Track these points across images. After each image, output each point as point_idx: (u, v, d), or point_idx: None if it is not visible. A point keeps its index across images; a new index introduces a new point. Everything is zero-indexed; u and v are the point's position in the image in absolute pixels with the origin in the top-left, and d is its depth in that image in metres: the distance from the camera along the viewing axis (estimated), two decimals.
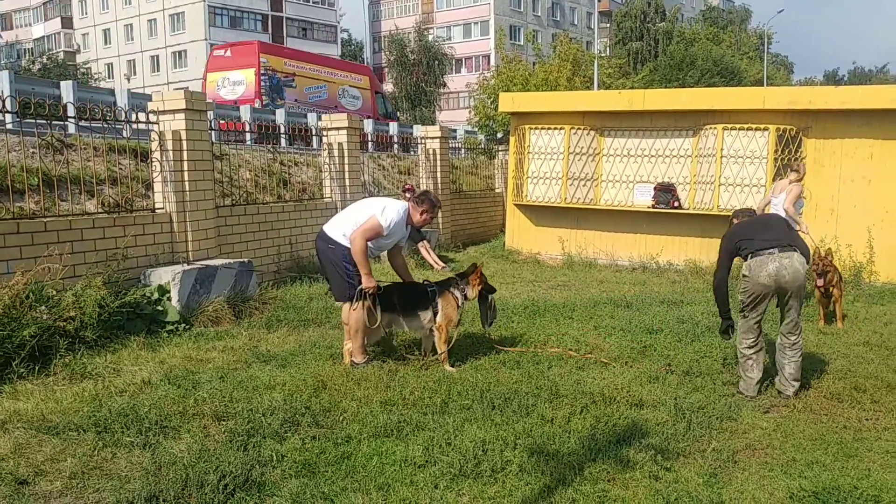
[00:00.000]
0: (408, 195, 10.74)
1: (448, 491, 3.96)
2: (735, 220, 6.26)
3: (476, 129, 30.40)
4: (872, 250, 11.04)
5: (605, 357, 6.66)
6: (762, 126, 11.80)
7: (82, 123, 8.58)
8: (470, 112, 37.27)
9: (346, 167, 11.61)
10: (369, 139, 16.95)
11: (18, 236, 6.84)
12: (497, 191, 18.01)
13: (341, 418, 5.01)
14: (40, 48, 65.87)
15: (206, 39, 58.17)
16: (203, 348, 6.87)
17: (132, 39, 63.82)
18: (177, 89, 9.74)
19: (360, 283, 6.02)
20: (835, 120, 11.52)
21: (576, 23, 73.08)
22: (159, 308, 7.49)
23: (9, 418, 4.86)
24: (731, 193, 11.95)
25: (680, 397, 5.53)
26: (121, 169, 8.85)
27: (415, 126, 23.64)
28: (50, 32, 69.07)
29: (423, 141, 15.23)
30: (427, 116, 51.01)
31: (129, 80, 61.44)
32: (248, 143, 13.26)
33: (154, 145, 8.39)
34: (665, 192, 12.72)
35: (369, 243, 6.05)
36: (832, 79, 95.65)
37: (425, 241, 10.97)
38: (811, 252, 7.04)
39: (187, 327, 7.52)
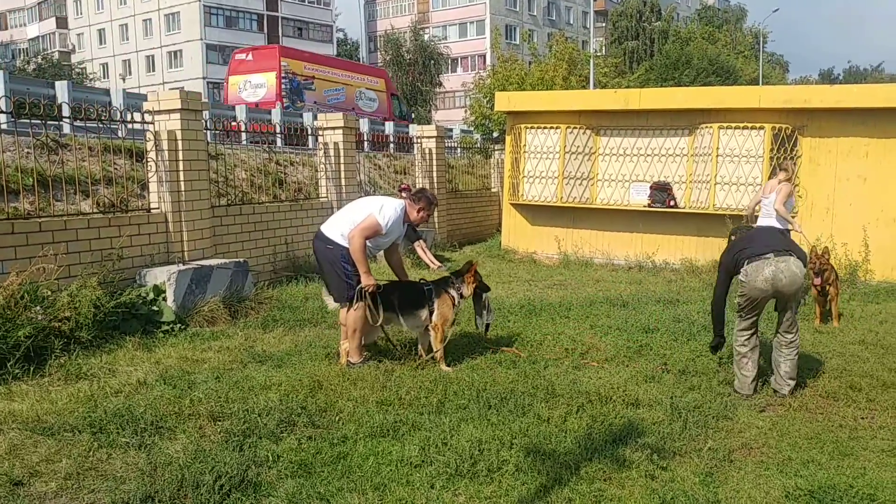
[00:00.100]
0: (404, 194, 10.73)
1: (444, 491, 3.96)
2: (733, 237, 6.27)
3: (472, 129, 30.40)
4: (868, 249, 11.07)
5: (597, 359, 6.65)
6: (758, 125, 11.82)
7: (77, 123, 8.56)
8: (466, 111, 37.30)
9: (342, 167, 11.60)
10: (365, 139, 16.95)
11: (13, 236, 6.82)
12: (493, 190, 18.01)
13: (337, 418, 5.01)
14: (35, 48, 65.64)
15: (201, 39, 58.14)
16: (199, 348, 6.86)
17: (127, 39, 63.71)
18: (172, 89, 9.73)
19: (358, 282, 6.00)
20: (830, 119, 11.55)
21: (571, 22, 73.14)
22: (155, 308, 7.48)
23: (3, 419, 4.84)
24: (726, 192, 11.97)
25: (676, 396, 5.54)
26: (116, 169, 8.83)
27: (411, 125, 23.67)
28: (45, 32, 68.91)
29: (419, 140, 15.23)
30: (423, 116, 50.98)
31: (124, 80, 61.36)
32: (244, 142, 13.24)
33: (149, 145, 8.37)
34: (661, 191, 12.74)
35: (368, 242, 6.05)
36: (827, 77, 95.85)
37: (421, 241, 10.95)
38: (808, 251, 7.05)
39: (183, 327, 7.50)
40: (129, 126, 8.60)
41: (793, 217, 9.87)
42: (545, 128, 13.65)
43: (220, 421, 4.89)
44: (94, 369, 6.03)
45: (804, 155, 11.75)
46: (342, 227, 6.13)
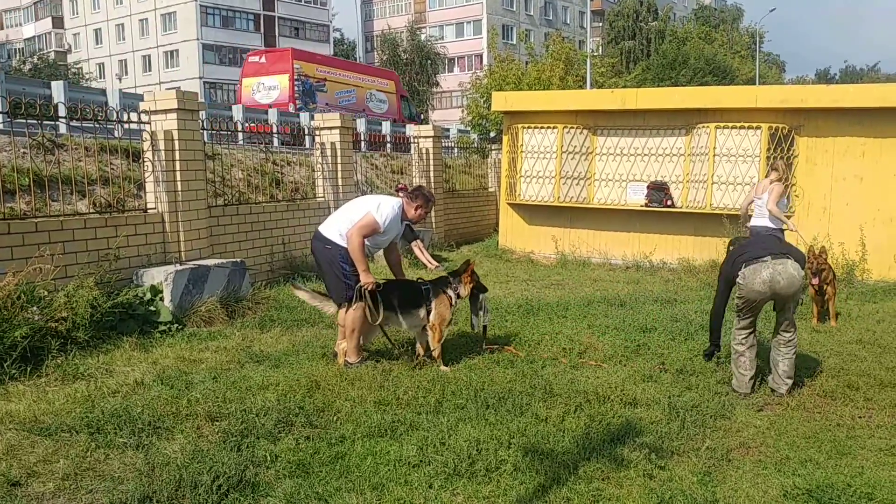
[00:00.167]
0: (401, 195, 10.71)
1: (442, 490, 3.96)
2: (731, 248, 6.27)
3: (469, 129, 30.44)
4: (865, 248, 11.08)
5: (595, 358, 6.65)
6: (754, 125, 11.83)
7: (73, 123, 8.54)
8: (463, 111, 37.34)
9: (339, 167, 11.59)
10: (362, 139, 16.95)
11: (9, 237, 6.80)
12: (490, 190, 18.01)
13: (335, 418, 5.00)
14: (31, 48, 65.54)
15: (197, 39, 58.05)
16: (196, 349, 6.84)
17: (123, 39, 63.61)
18: (168, 89, 9.71)
19: (356, 282, 5.99)
20: (827, 118, 11.56)
21: (568, 22, 73.17)
22: (152, 308, 7.46)
23: (1, 420, 4.83)
24: (723, 192, 11.99)
25: (674, 396, 5.54)
26: (112, 169, 8.81)
27: (408, 125, 23.69)
28: (41, 32, 68.78)
29: (416, 140, 15.22)
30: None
31: (120, 79, 61.27)
32: (241, 142, 13.24)
33: (146, 145, 8.36)
34: (658, 190, 12.75)
35: (366, 241, 6.04)
36: (824, 77, 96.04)
37: (418, 241, 10.93)
38: (806, 251, 7.06)
39: (180, 327, 7.49)
40: (126, 126, 8.58)
41: (788, 217, 9.89)
42: (542, 127, 13.65)
43: (217, 421, 4.89)
44: (91, 370, 6.02)
45: (801, 154, 11.77)
46: (340, 226, 6.12)
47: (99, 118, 8.19)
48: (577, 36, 64.84)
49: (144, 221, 8.22)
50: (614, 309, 8.79)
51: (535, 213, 14.03)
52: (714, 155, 12.07)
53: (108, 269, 7.46)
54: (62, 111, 8.66)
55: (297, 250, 10.51)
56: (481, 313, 6.59)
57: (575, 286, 10.86)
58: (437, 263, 7.09)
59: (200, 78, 57.52)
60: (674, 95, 13.61)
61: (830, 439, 4.82)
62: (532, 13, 69.85)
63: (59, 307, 6.48)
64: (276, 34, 61.60)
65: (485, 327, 6.71)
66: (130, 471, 4.14)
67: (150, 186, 8.43)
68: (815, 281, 8.14)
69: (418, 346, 6.53)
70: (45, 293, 6.55)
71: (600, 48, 58.86)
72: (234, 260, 8.70)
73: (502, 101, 14.85)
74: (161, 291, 7.63)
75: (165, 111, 8.38)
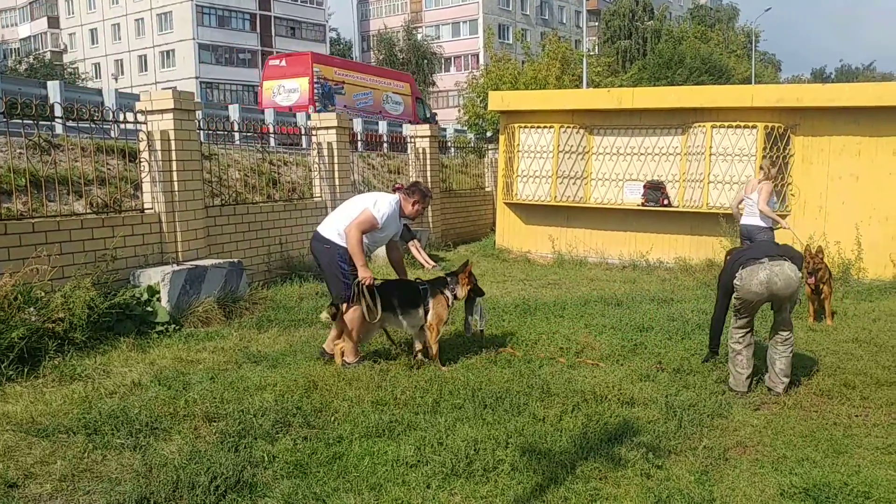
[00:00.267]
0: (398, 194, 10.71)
1: (440, 490, 3.96)
2: (728, 257, 6.29)
3: (466, 128, 30.46)
4: (860, 247, 11.10)
5: (593, 358, 6.65)
6: (750, 124, 11.85)
7: (70, 124, 8.52)
8: (459, 111, 37.34)
9: (336, 166, 11.59)
10: (359, 138, 16.95)
11: (6, 237, 6.79)
12: (487, 189, 18.01)
13: (333, 418, 5.00)
14: (27, 48, 65.48)
15: (193, 39, 58.01)
16: (193, 349, 6.84)
17: (119, 39, 63.53)
18: (165, 89, 9.69)
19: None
20: (822, 117, 11.58)
21: (564, 21, 73.21)
22: (149, 309, 7.45)
23: None
24: (720, 191, 12.00)
25: (671, 395, 5.55)
26: (109, 169, 8.79)
27: (404, 125, 23.70)
28: (36, 32, 68.64)
29: (412, 140, 15.22)
30: None
31: (116, 79, 61.15)
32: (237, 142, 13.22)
33: (142, 145, 8.34)
34: (655, 189, 12.76)
35: (364, 237, 6.04)
36: (819, 76, 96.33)
37: (415, 241, 10.94)
38: (802, 250, 7.08)
39: (177, 328, 7.48)
40: (122, 126, 8.57)
41: (784, 216, 9.91)
42: (539, 127, 13.66)
43: (215, 422, 4.88)
44: (88, 370, 6.01)
45: (797, 154, 11.78)
46: (338, 225, 6.12)
47: (95, 118, 8.18)
48: (574, 35, 64.85)
49: (141, 222, 8.20)
50: (611, 308, 8.81)
51: (532, 212, 14.04)
52: (710, 154, 12.08)
53: (104, 270, 7.46)
54: (58, 111, 8.64)
55: (295, 250, 10.51)
56: (477, 317, 6.57)
57: (572, 286, 10.87)
58: (434, 263, 7.08)
59: (197, 78, 57.47)
60: (670, 95, 13.62)
61: (827, 438, 4.83)
62: (528, 12, 69.87)
63: (56, 308, 6.47)
64: (273, 34, 61.57)
65: (481, 331, 6.70)
66: (128, 472, 4.14)
67: (146, 187, 8.42)
68: (812, 281, 8.16)
69: (416, 345, 6.53)
70: (42, 294, 6.53)
71: (596, 47, 58.93)
72: (231, 260, 8.69)
73: (499, 100, 14.85)
74: (158, 292, 7.62)
75: (162, 111, 8.36)
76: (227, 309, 8.09)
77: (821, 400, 5.62)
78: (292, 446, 4.51)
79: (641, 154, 13.07)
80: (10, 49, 68.04)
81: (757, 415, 5.33)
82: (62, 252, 7.20)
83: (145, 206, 8.44)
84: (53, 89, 13.78)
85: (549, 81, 29.92)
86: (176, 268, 7.91)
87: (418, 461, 4.27)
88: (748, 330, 5.84)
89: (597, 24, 69.87)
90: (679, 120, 12.65)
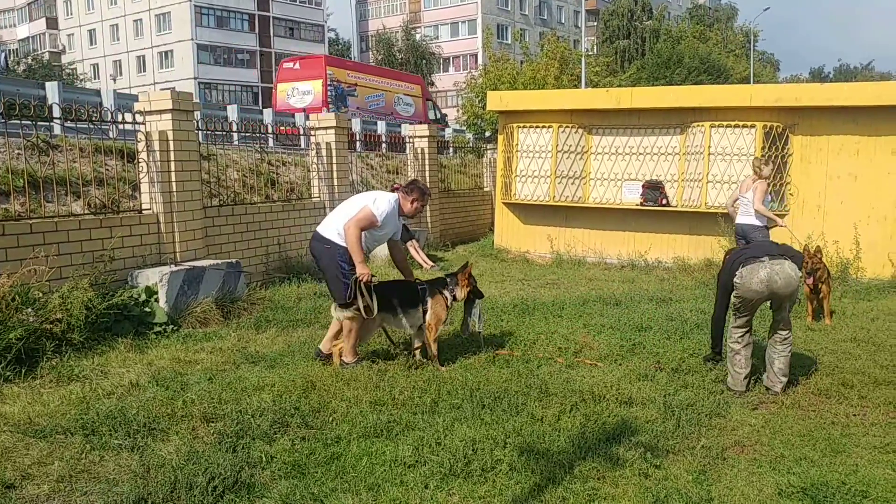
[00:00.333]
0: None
1: (438, 491, 3.96)
2: (727, 256, 6.29)
3: (464, 128, 30.45)
4: (859, 247, 11.11)
5: (591, 357, 6.65)
6: (749, 123, 11.85)
7: (68, 124, 8.51)
8: (458, 111, 37.31)
9: (334, 167, 11.59)
10: (357, 139, 16.96)
11: (4, 238, 6.79)
12: (486, 189, 18.02)
13: (331, 419, 5.00)
14: (25, 49, 65.42)
15: (192, 39, 57.98)
16: (191, 350, 6.83)
17: (118, 40, 63.50)
18: (163, 89, 9.69)
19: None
20: (821, 117, 11.59)
21: (563, 21, 73.23)
22: (147, 309, 7.45)
23: None
24: (718, 190, 12.00)
25: (669, 395, 5.55)
26: (107, 170, 8.79)
27: (403, 125, 23.71)
28: (35, 33, 68.62)
29: (411, 140, 15.22)
30: None
31: (115, 80, 61.11)
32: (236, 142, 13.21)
33: (141, 146, 8.34)
34: (653, 189, 12.76)
35: (364, 235, 6.03)
36: (818, 76, 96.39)
37: (414, 241, 10.94)
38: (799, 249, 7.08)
39: (175, 328, 7.48)
40: (121, 127, 8.56)
41: (782, 216, 9.90)
42: (537, 127, 13.66)
43: (213, 422, 4.88)
44: (86, 371, 6.01)
45: (795, 153, 11.78)
46: (337, 224, 6.11)
47: (93, 119, 8.17)
48: (572, 35, 64.87)
49: (139, 222, 8.20)
50: (610, 308, 8.80)
51: (531, 212, 14.04)
52: (709, 154, 12.08)
53: (102, 271, 7.45)
54: (56, 112, 8.63)
55: (293, 251, 10.50)
56: (475, 319, 6.57)
57: (570, 285, 10.87)
58: (432, 263, 7.08)
59: (195, 78, 57.44)
60: (668, 94, 13.62)
61: (825, 437, 4.83)
62: (527, 12, 69.89)
63: (54, 309, 6.46)
64: (271, 34, 61.57)
65: (480, 334, 6.69)
66: (125, 472, 4.13)
67: (144, 187, 8.42)
68: (810, 281, 8.16)
69: (415, 342, 6.52)
70: (40, 295, 6.53)
71: (595, 47, 58.97)
72: (229, 260, 8.69)
73: (497, 100, 14.84)
74: (156, 292, 7.61)
75: (160, 112, 8.36)
76: (226, 309, 8.08)
77: (819, 399, 5.62)
78: (290, 447, 4.51)
79: (640, 154, 13.07)
80: (9, 50, 67.94)
81: (755, 414, 5.33)
82: (60, 253, 7.20)
83: (143, 206, 8.44)
84: (52, 90, 13.76)
85: (547, 81, 29.92)
86: (174, 268, 7.91)
87: (416, 461, 4.27)
88: (747, 329, 5.84)
89: (595, 23, 69.89)
90: (678, 119, 12.65)
